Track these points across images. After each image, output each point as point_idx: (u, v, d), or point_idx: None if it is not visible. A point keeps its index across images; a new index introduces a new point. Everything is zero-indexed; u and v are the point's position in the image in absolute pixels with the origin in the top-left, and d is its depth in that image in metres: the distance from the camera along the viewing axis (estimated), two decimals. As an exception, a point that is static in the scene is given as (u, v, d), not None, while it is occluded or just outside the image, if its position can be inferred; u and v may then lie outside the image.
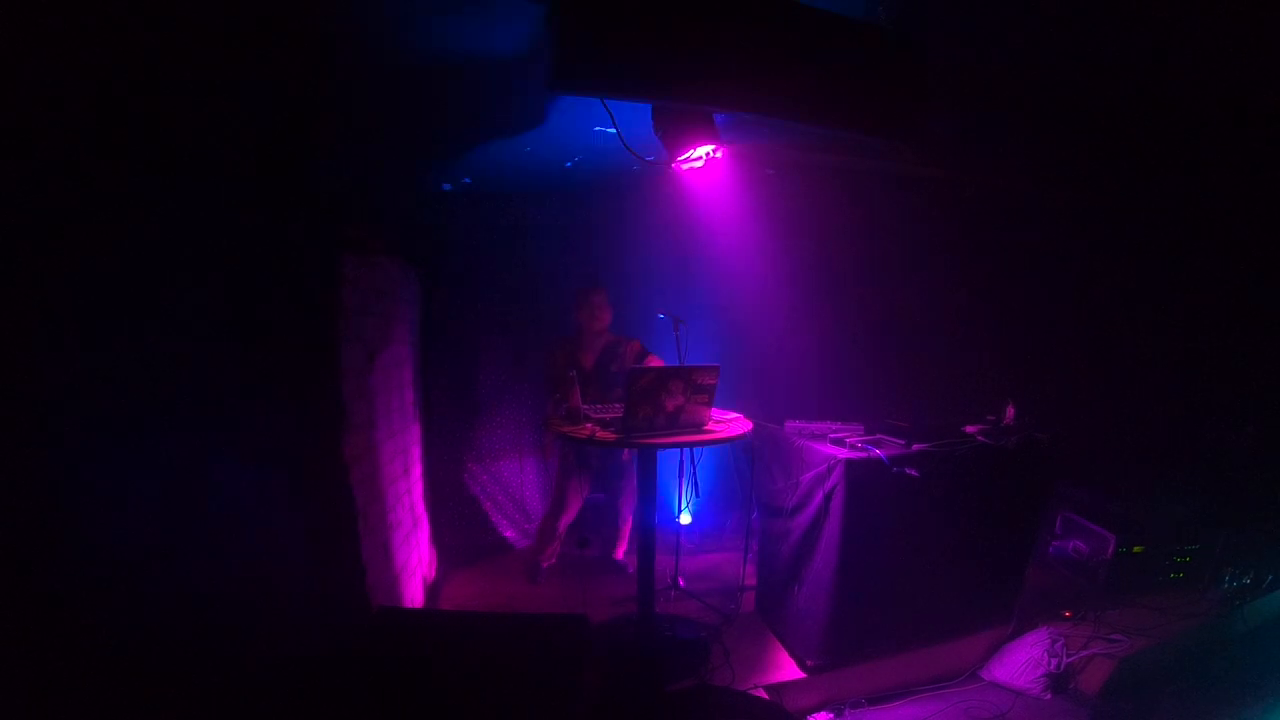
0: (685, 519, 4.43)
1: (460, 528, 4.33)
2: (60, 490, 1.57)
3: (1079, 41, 2.62)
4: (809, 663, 2.93)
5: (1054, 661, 3.07)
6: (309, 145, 2.34)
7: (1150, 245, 4.59)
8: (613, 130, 2.64)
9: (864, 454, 2.77)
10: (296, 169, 2.35)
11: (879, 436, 2.98)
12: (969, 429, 3.12)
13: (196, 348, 2.04)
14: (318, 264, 2.41)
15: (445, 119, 3.00)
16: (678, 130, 2.51)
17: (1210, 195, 4.17)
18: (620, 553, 4.10)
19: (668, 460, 4.23)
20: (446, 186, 4.04)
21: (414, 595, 3.31)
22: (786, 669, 2.97)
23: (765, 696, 2.79)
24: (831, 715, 2.84)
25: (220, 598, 1.96)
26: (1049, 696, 3.00)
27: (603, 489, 4.01)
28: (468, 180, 3.98)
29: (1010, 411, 3.20)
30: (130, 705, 1.65)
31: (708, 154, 2.68)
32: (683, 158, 2.66)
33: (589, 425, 2.78)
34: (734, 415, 3.02)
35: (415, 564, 3.43)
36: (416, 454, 3.79)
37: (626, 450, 3.66)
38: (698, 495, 3.77)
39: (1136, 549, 3.63)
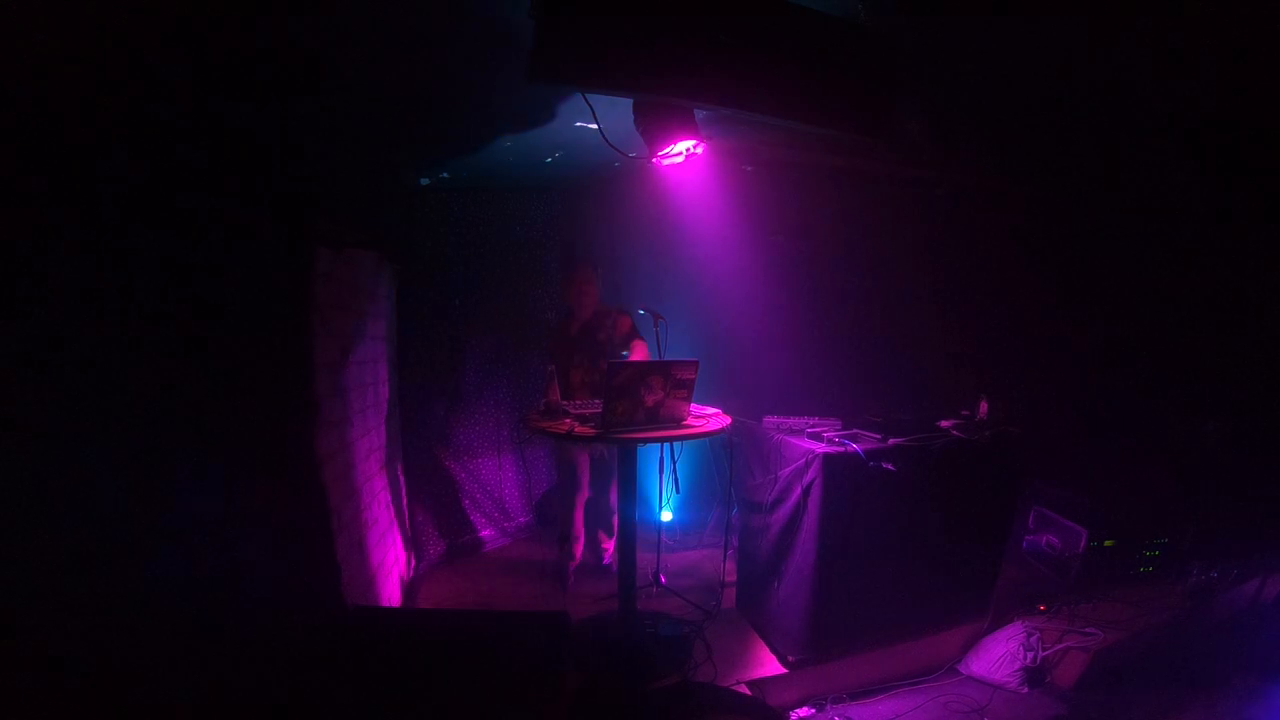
0: (666, 515, 4.42)
1: (438, 526, 4.28)
2: (18, 485, 1.51)
3: (1052, 47, 2.66)
4: (790, 658, 2.92)
5: (1030, 655, 3.10)
6: (280, 134, 2.30)
7: (1121, 247, 4.69)
8: (593, 126, 2.62)
9: (841, 448, 2.78)
10: (268, 158, 2.30)
11: (856, 431, 2.99)
12: (943, 423, 3.13)
13: (164, 341, 1.98)
14: (290, 256, 2.36)
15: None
16: (659, 125, 2.50)
17: (1178, 197, 4.27)
18: (609, 556, 3.95)
19: (648, 457, 4.21)
20: (424, 181, 3.99)
21: (391, 594, 3.25)
22: (768, 665, 2.96)
23: (748, 693, 2.78)
24: (814, 710, 2.84)
25: (188, 596, 1.90)
26: (1026, 690, 3.04)
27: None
28: (445, 175, 3.93)
29: (984, 406, 3.22)
30: (94, 708, 1.59)
31: (688, 149, 2.67)
32: (663, 153, 2.65)
33: (568, 421, 2.76)
34: (713, 410, 3.02)
35: (392, 563, 3.37)
36: (393, 451, 3.73)
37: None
38: (678, 491, 3.75)
39: (1108, 543, 3.69)
